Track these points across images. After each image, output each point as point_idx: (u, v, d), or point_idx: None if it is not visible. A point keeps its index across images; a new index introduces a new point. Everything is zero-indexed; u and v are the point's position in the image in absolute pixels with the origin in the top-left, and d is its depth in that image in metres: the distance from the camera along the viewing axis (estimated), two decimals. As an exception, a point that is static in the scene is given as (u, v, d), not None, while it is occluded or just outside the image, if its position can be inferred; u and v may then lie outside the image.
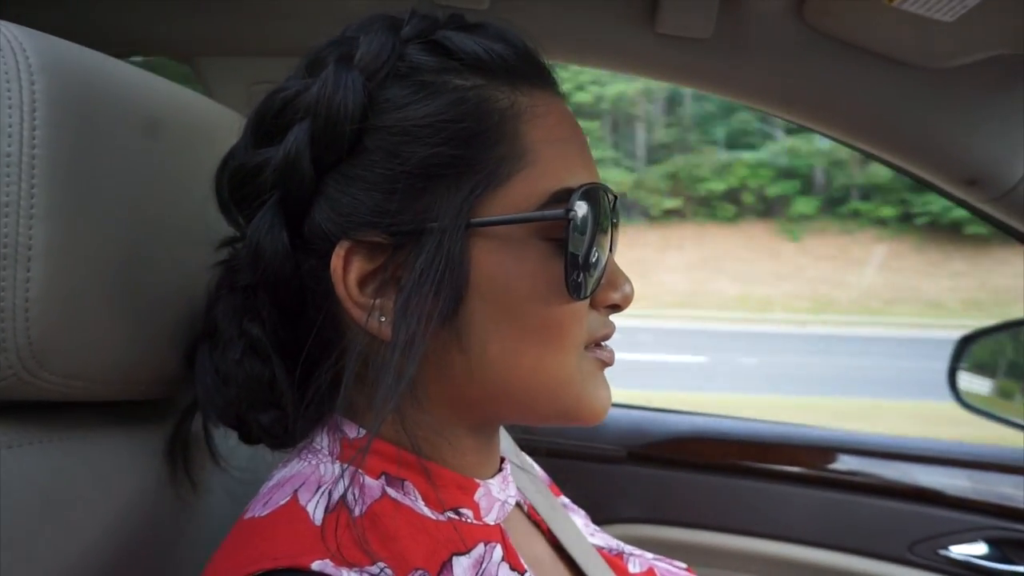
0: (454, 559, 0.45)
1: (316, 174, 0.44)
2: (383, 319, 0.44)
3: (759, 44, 0.83)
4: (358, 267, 0.45)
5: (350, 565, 0.39)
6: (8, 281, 0.41)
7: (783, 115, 0.89)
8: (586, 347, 0.49)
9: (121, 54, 0.90)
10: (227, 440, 0.54)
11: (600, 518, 0.69)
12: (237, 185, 0.47)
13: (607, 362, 0.50)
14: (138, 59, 1.03)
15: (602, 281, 0.48)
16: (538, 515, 0.58)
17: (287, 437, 0.49)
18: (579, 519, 0.65)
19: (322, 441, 0.47)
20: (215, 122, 0.59)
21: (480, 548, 0.47)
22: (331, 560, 0.39)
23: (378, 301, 0.44)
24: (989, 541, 1.02)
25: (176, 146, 0.54)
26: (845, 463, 1.11)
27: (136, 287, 0.49)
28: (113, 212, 0.47)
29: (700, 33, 0.82)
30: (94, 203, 0.45)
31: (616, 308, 0.51)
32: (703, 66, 0.86)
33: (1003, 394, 1.13)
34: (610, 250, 0.49)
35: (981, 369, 1.10)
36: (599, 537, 0.63)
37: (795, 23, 0.80)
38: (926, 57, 0.78)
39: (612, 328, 0.51)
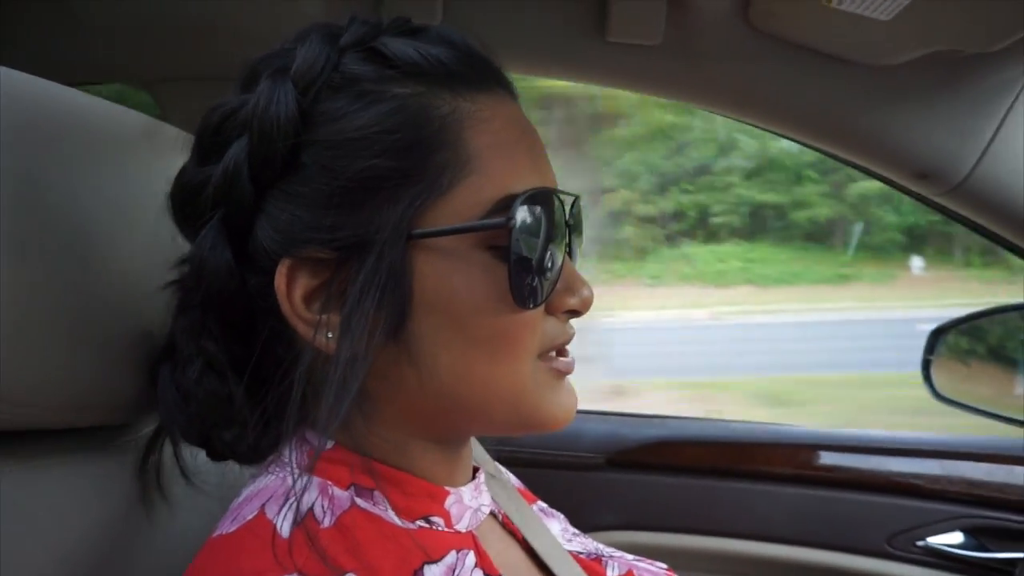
0: (425, 567, 0.44)
1: (256, 191, 0.44)
2: (330, 335, 0.44)
3: (708, 48, 0.84)
4: (303, 284, 0.44)
5: None
6: None
7: (736, 117, 0.90)
8: (543, 355, 0.48)
9: (77, 82, 0.91)
10: (199, 456, 0.53)
11: (580, 526, 0.68)
12: (183, 203, 0.47)
13: (564, 371, 0.49)
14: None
15: (557, 286, 0.47)
16: (512, 524, 0.58)
17: (253, 453, 0.48)
18: (557, 524, 0.64)
19: (290, 454, 0.47)
20: (176, 148, 0.59)
21: (452, 556, 0.46)
22: (297, 575, 0.39)
23: (324, 317, 0.44)
24: (965, 530, 1.03)
25: (132, 170, 0.53)
26: (821, 460, 1.11)
27: (89, 315, 0.48)
28: (67, 240, 0.46)
29: (650, 40, 0.84)
30: (47, 232, 0.45)
31: (575, 313, 0.50)
32: (655, 72, 0.87)
33: (976, 384, 1.14)
34: (568, 254, 0.49)
35: (954, 360, 1.12)
36: (577, 542, 0.63)
37: (742, 26, 0.81)
38: (868, 55, 0.80)
39: (570, 334, 0.50)
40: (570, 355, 0.50)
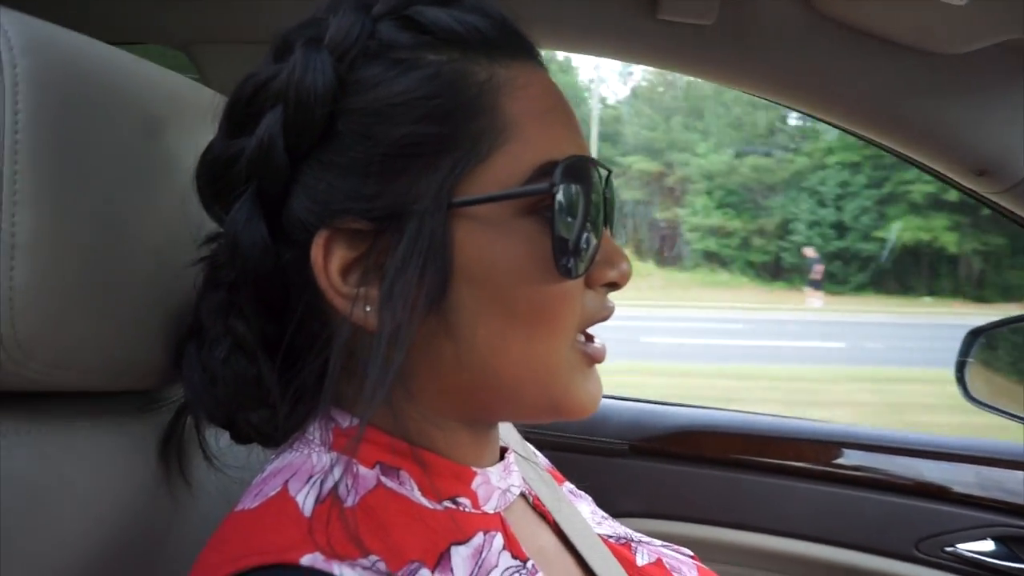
0: (452, 549, 0.44)
1: (291, 162, 0.43)
2: (368, 308, 0.43)
3: (764, 30, 0.81)
4: (340, 256, 0.43)
5: (341, 558, 0.38)
6: None
7: (788, 103, 0.87)
8: (582, 332, 0.47)
9: (116, 42, 0.90)
10: (221, 438, 0.53)
11: (602, 511, 0.68)
12: (214, 178, 0.46)
13: (596, 358, 0.49)
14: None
15: (596, 259, 0.46)
16: (543, 506, 0.57)
17: (279, 435, 0.48)
18: (586, 506, 0.64)
19: (314, 431, 0.46)
20: (208, 109, 0.58)
21: (479, 537, 0.45)
22: (321, 553, 0.38)
23: (362, 290, 0.43)
24: (997, 538, 1.01)
25: (167, 134, 0.52)
26: (850, 458, 1.09)
27: (123, 276, 0.48)
28: (100, 200, 0.45)
29: (703, 19, 0.80)
30: (80, 190, 0.44)
31: (614, 286, 0.49)
32: (706, 53, 0.84)
33: (1011, 388, 1.12)
34: (605, 226, 0.48)
35: (989, 363, 1.09)
36: (607, 526, 0.62)
37: (801, 8, 0.78)
38: (936, 42, 0.76)
39: (611, 309, 0.49)
40: (601, 343, 0.50)
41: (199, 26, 0.97)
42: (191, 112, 0.56)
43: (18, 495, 0.42)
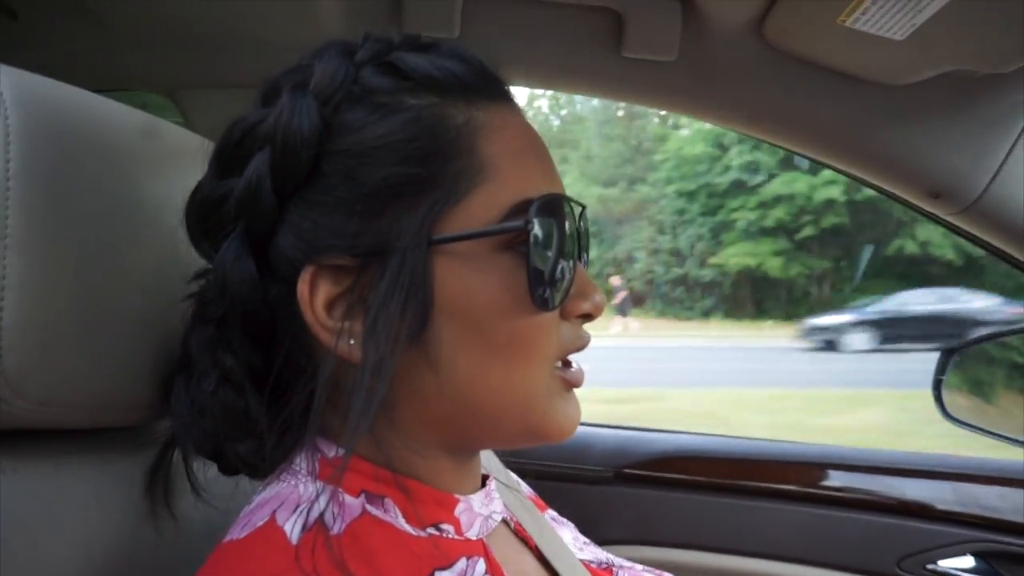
0: (436, 574, 0.44)
1: (278, 201, 0.45)
2: (352, 342, 0.44)
3: (722, 64, 0.85)
4: (325, 291, 0.45)
5: None
6: None
7: (749, 133, 0.91)
8: (559, 361, 0.49)
9: (103, 88, 0.92)
10: (208, 470, 0.54)
11: (588, 539, 0.68)
12: (203, 217, 0.48)
13: (574, 383, 0.50)
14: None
15: (571, 291, 0.48)
16: (525, 532, 0.58)
17: (266, 466, 0.48)
18: (568, 533, 0.64)
19: (300, 462, 0.47)
20: (193, 153, 0.60)
21: (462, 563, 0.46)
22: None
23: (346, 324, 0.44)
24: (977, 554, 1.01)
25: (152, 177, 0.54)
26: (832, 479, 1.10)
27: (112, 315, 0.49)
28: (88, 242, 0.47)
29: (665, 55, 0.84)
30: (68, 234, 0.46)
31: (588, 317, 0.51)
32: (669, 87, 0.88)
33: (987, 405, 1.13)
34: (579, 259, 0.50)
35: (964, 381, 1.11)
36: (588, 551, 0.63)
37: (756, 43, 0.82)
38: (882, 74, 0.80)
39: (586, 339, 0.51)
40: (580, 368, 0.51)
41: (184, 72, 1.00)
42: (177, 156, 0.58)
43: (7, 532, 0.42)
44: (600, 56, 0.87)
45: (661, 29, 0.83)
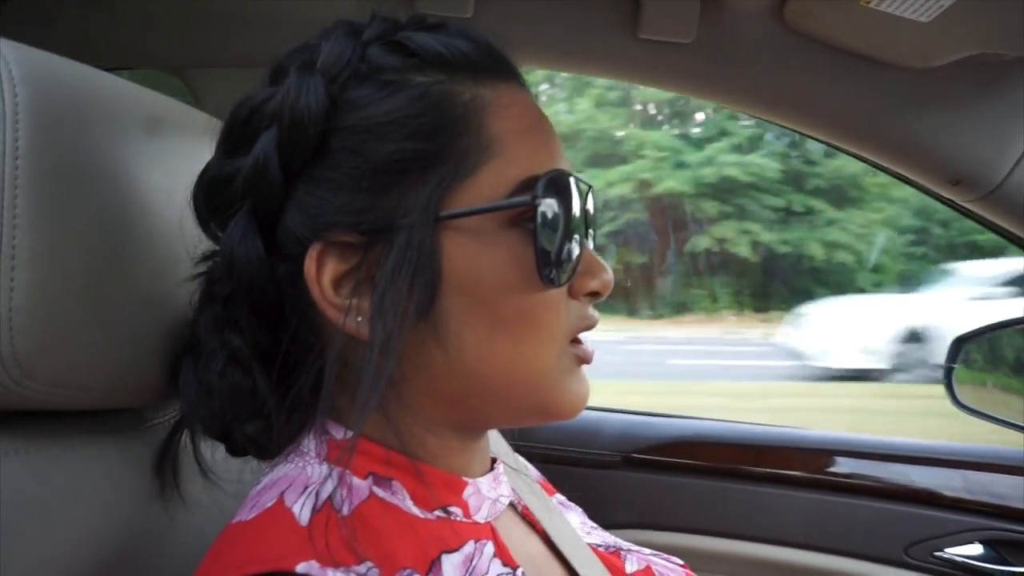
0: (443, 557, 0.45)
1: (285, 179, 0.45)
2: (359, 319, 0.44)
3: (741, 47, 0.83)
4: (332, 268, 0.45)
5: (336, 565, 0.39)
6: None
7: (766, 117, 0.89)
8: (570, 338, 0.49)
9: (111, 67, 0.92)
10: (216, 452, 0.54)
11: (596, 523, 0.68)
12: (210, 196, 0.48)
13: (584, 359, 0.50)
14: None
15: (578, 269, 0.48)
16: (532, 515, 0.58)
17: (273, 446, 0.48)
18: (576, 517, 0.64)
19: (308, 443, 0.47)
20: (201, 132, 0.59)
21: (470, 545, 0.46)
22: (317, 561, 0.39)
23: (354, 301, 0.44)
24: (984, 542, 1.01)
25: (161, 156, 0.54)
26: (840, 465, 1.10)
27: (121, 295, 0.49)
28: (97, 221, 0.47)
29: (682, 37, 0.83)
30: (78, 212, 0.45)
31: (596, 296, 0.51)
32: (686, 70, 0.87)
33: (998, 393, 1.13)
34: (587, 237, 0.49)
35: (975, 368, 1.10)
36: (596, 535, 0.63)
37: (776, 25, 0.81)
38: (905, 57, 0.79)
39: (595, 318, 0.51)
40: (590, 345, 0.51)
41: (193, 51, 0.99)
42: (186, 135, 0.57)
43: (18, 513, 0.42)
44: (616, 38, 0.85)
45: (679, 10, 0.81)
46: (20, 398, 0.44)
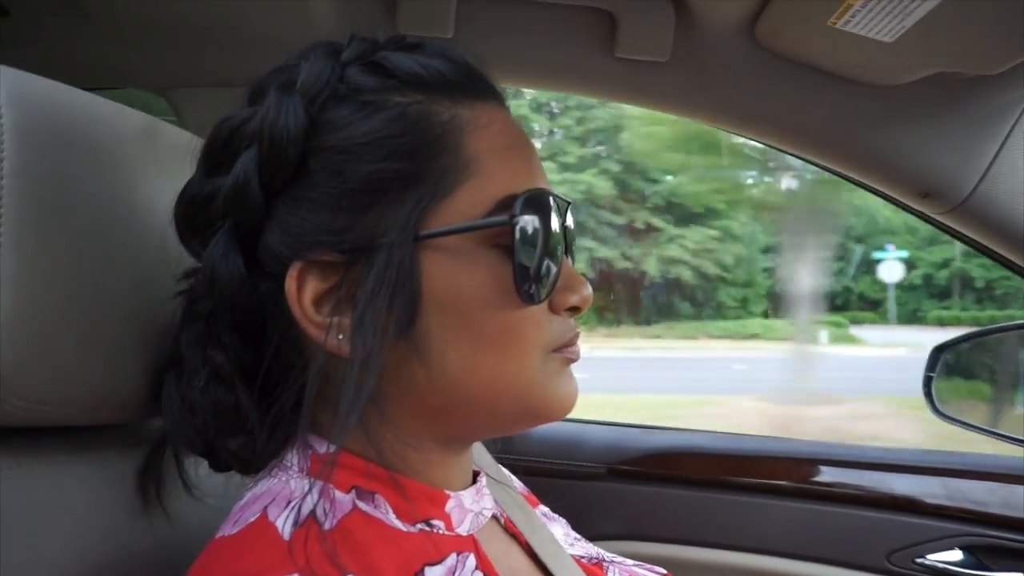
0: (426, 569, 0.45)
1: (265, 198, 0.45)
2: (340, 337, 0.45)
3: (714, 65, 0.85)
4: (313, 287, 0.45)
5: None
6: None
7: (741, 133, 0.92)
8: (551, 351, 0.49)
9: (96, 86, 0.92)
10: (200, 468, 0.54)
11: (581, 535, 0.69)
12: (192, 214, 0.48)
13: (572, 359, 0.51)
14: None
15: (557, 285, 0.48)
16: (516, 528, 0.58)
17: (257, 461, 0.49)
18: (559, 529, 0.65)
19: (292, 458, 0.48)
20: (185, 151, 0.60)
21: (452, 558, 0.47)
22: (299, 574, 0.39)
23: (335, 319, 0.45)
24: (964, 548, 1.03)
25: (146, 175, 0.54)
26: (823, 475, 1.11)
27: (103, 313, 0.49)
28: (81, 240, 0.47)
29: (658, 56, 0.85)
30: (62, 232, 0.46)
31: (576, 311, 0.51)
32: (662, 88, 0.89)
33: (976, 402, 1.14)
34: (565, 254, 0.50)
35: (954, 377, 1.12)
36: (579, 547, 0.63)
37: (748, 44, 0.83)
38: (872, 75, 0.81)
39: (576, 333, 0.51)
40: (576, 344, 0.52)
41: (176, 71, 0.99)
42: (169, 154, 0.58)
43: (3, 530, 0.42)
44: (593, 57, 0.87)
45: (654, 30, 0.83)
46: (3, 414, 0.44)
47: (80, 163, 0.48)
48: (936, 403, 1.09)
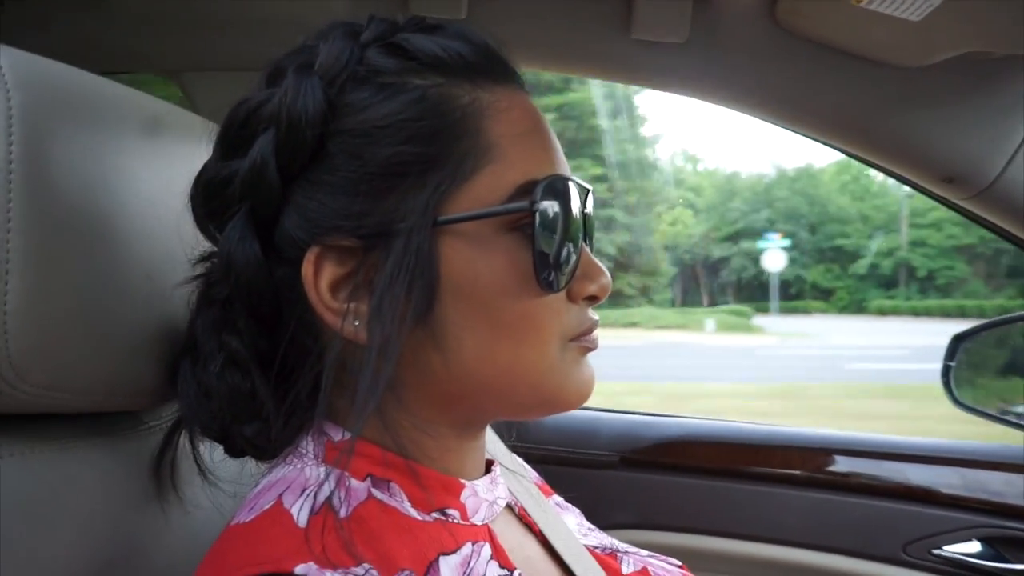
0: (441, 559, 0.45)
1: (283, 182, 0.45)
2: (357, 323, 0.44)
3: (733, 47, 0.84)
4: (329, 272, 0.45)
5: (334, 567, 0.39)
6: None
7: (760, 116, 0.90)
8: (569, 339, 0.48)
9: (107, 71, 0.92)
10: (211, 454, 0.54)
11: (593, 524, 0.68)
12: (208, 198, 0.48)
13: (590, 348, 0.50)
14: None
15: (576, 273, 0.48)
16: (529, 517, 0.58)
17: (272, 447, 0.49)
18: (573, 518, 0.64)
19: (307, 445, 0.47)
20: (197, 135, 0.60)
21: (467, 547, 0.46)
22: (315, 563, 0.39)
23: (351, 305, 0.44)
24: (982, 539, 1.01)
25: (156, 159, 0.54)
26: (837, 464, 1.10)
27: (115, 298, 0.49)
28: (92, 225, 0.47)
29: (675, 37, 0.83)
30: (73, 216, 0.45)
31: (594, 300, 0.50)
32: (679, 70, 0.87)
33: (996, 391, 1.13)
34: (585, 241, 0.49)
35: (974, 367, 1.11)
36: (593, 536, 0.63)
37: (768, 25, 0.81)
38: (897, 56, 0.79)
39: (594, 321, 0.51)
40: (594, 333, 0.51)
41: (188, 54, 0.99)
42: (181, 138, 0.58)
43: (14, 515, 0.42)
44: (609, 38, 0.86)
45: (671, 11, 0.82)
46: (16, 401, 0.44)
47: (91, 147, 0.47)
48: (954, 392, 1.07)
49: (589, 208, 0.52)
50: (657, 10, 0.82)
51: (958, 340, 1.10)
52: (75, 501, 0.47)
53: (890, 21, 0.71)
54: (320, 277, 0.45)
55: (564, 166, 0.50)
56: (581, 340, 0.49)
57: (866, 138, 0.87)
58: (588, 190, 0.51)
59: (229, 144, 0.47)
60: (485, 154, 0.45)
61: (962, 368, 1.08)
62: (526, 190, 0.45)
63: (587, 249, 0.51)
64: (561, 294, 0.47)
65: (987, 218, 0.90)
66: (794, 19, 0.79)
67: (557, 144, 0.50)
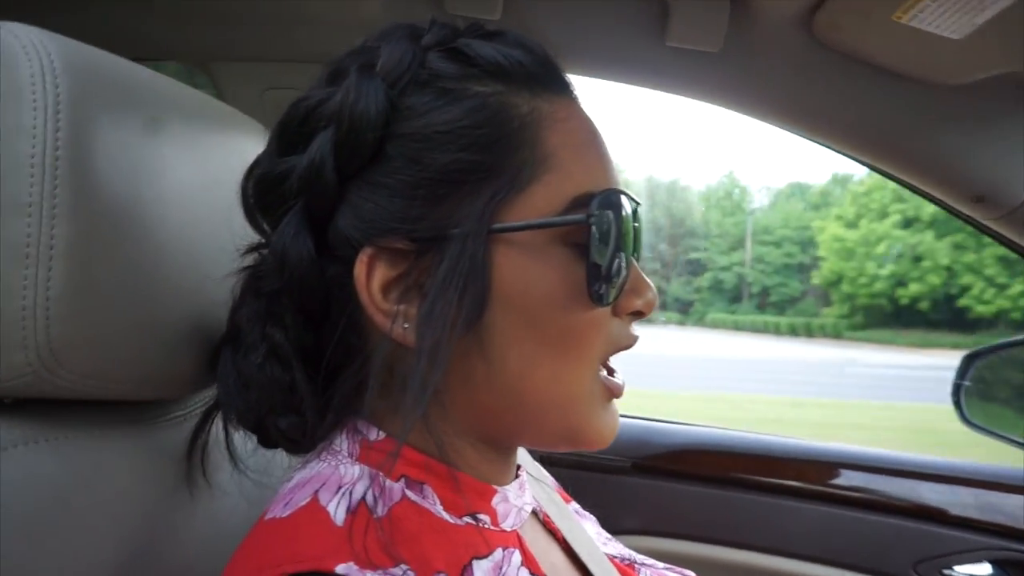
0: (474, 562, 0.45)
1: (339, 181, 0.45)
2: (406, 325, 0.44)
3: (768, 57, 0.83)
4: (381, 273, 0.45)
5: (374, 567, 0.39)
6: (30, 280, 0.41)
7: (791, 129, 0.89)
8: (604, 364, 0.49)
9: (136, 59, 0.92)
10: (245, 443, 0.54)
11: (604, 529, 0.68)
12: (262, 192, 0.48)
13: (615, 392, 0.50)
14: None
15: (625, 287, 0.48)
16: (553, 524, 0.58)
17: (305, 442, 0.49)
18: (592, 526, 0.64)
19: (341, 442, 0.47)
20: (233, 127, 0.59)
21: (499, 553, 0.46)
22: (355, 562, 0.39)
23: (401, 307, 0.44)
24: (994, 562, 1.01)
25: (197, 149, 0.54)
26: (850, 479, 1.10)
27: (154, 288, 0.49)
28: (133, 214, 0.47)
29: (710, 46, 0.83)
30: (115, 204, 0.45)
31: (639, 315, 0.51)
32: (713, 79, 0.86)
33: (1008, 412, 1.13)
34: (633, 255, 0.49)
35: (986, 386, 1.10)
36: (612, 546, 0.63)
37: (804, 37, 0.80)
38: (935, 74, 0.78)
39: (635, 337, 0.51)
40: (622, 379, 0.51)
41: (218, 45, 0.99)
42: (219, 128, 0.58)
43: (46, 499, 0.43)
44: (643, 45, 0.85)
45: (707, 19, 0.81)
46: (52, 386, 0.44)
47: (134, 135, 0.48)
48: (965, 411, 1.07)
49: (638, 222, 0.52)
50: (693, 17, 0.82)
51: (971, 358, 1.10)
52: (104, 486, 0.47)
53: (930, 39, 0.71)
54: (372, 278, 0.45)
55: (617, 179, 0.50)
56: (608, 380, 0.49)
57: (897, 154, 0.87)
58: (638, 204, 0.51)
59: (286, 140, 0.47)
60: (542, 164, 0.45)
61: (973, 387, 1.08)
62: (582, 202, 0.45)
63: (635, 264, 0.51)
64: (606, 310, 0.47)
65: (1014, 240, 0.89)
66: (832, 33, 0.78)
67: (610, 156, 0.50)
